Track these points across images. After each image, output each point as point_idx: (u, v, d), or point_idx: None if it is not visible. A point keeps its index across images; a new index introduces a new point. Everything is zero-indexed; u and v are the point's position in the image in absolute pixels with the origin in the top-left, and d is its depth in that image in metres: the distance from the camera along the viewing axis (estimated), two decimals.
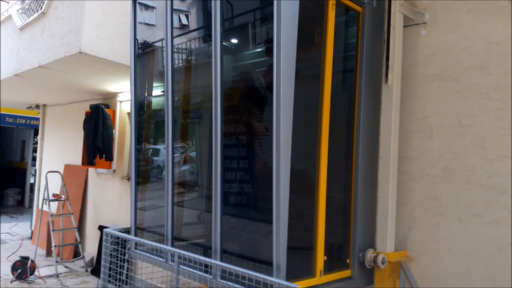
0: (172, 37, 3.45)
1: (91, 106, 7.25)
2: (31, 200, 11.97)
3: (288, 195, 2.59)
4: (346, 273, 3.23)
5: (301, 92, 2.79)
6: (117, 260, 3.94)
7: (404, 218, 3.46)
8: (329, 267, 3.05)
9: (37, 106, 9.98)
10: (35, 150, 13.63)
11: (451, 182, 3.25)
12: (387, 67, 3.33)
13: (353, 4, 3.21)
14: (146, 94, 4.28)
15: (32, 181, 13.18)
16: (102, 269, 4.00)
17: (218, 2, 2.99)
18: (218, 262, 2.83)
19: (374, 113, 3.39)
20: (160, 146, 4.00)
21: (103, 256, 4.02)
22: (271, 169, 2.57)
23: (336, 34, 3.00)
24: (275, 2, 2.52)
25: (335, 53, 3.00)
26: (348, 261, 3.28)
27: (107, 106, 7.30)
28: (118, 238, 3.96)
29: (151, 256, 3.59)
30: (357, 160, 3.26)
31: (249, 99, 3.30)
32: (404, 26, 3.50)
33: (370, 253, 3.30)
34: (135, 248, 3.83)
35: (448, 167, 3.27)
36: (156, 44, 3.87)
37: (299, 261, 3.03)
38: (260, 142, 3.14)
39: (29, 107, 10.34)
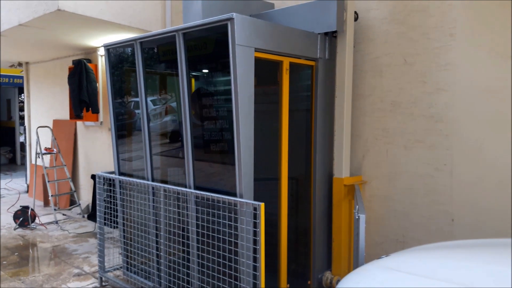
0: None
1: (74, 62, 7.47)
2: (23, 157, 12.31)
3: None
4: None
5: None
6: (110, 198, 4.44)
7: (358, 148, 3.96)
8: None
9: (20, 64, 10.11)
10: (21, 109, 13.80)
11: (398, 114, 3.72)
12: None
13: None
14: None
15: (22, 139, 13.43)
16: (97, 208, 4.51)
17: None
18: (193, 190, 3.32)
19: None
20: None
21: (97, 196, 4.52)
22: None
23: None
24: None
25: None
26: (309, 282, 3.80)
27: (89, 61, 7.53)
28: (110, 180, 4.44)
29: (140, 279, 4.11)
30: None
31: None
32: None
33: (327, 275, 3.82)
34: (127, 270, 4.34)
35: (395, 101, 3.73)
36: None
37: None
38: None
39: (12, 66, 10.45)
